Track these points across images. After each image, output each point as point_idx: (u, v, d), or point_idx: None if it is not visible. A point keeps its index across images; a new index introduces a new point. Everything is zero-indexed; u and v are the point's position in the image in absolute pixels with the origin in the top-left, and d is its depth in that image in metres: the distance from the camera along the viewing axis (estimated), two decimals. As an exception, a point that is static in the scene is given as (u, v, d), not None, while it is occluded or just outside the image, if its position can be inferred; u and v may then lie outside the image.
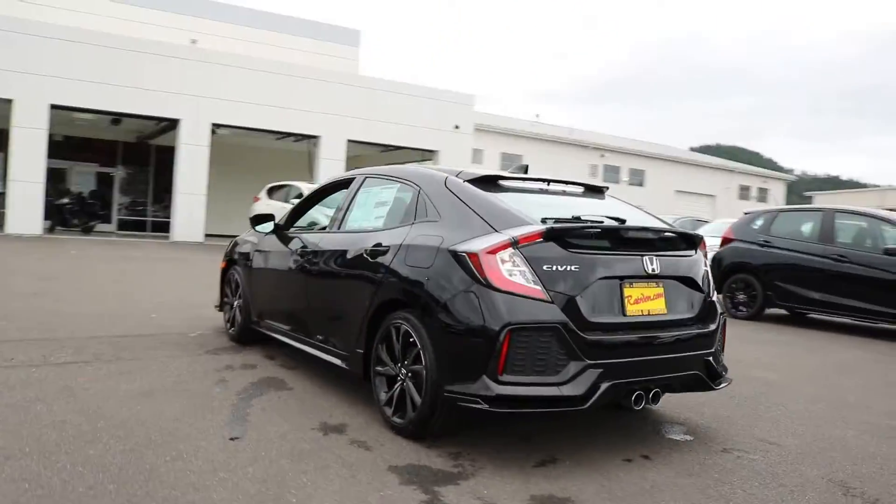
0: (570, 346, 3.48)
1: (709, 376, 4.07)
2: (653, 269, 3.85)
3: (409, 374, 3.85)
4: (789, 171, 59.71)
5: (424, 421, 3.74)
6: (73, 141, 22.26)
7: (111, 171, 24.47)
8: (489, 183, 4.14)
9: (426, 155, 21.97)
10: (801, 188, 60.97)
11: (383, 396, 4.04)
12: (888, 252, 8.71)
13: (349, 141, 19.99)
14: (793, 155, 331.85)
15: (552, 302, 3.50)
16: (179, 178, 19.17)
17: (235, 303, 6.15)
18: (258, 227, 5.79)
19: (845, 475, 3.78)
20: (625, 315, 3.72)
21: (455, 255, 3.66)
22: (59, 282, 9.76)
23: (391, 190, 4.56)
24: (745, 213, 11.24)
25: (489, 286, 3.49)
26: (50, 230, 19.05)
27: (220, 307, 6.60)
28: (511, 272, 3.50)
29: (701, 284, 4.14)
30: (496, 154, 41.32)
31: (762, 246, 10.03)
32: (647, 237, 4.02)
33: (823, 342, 8.69)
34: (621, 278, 3.74)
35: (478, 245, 3.59)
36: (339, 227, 4.84)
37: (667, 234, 4.10)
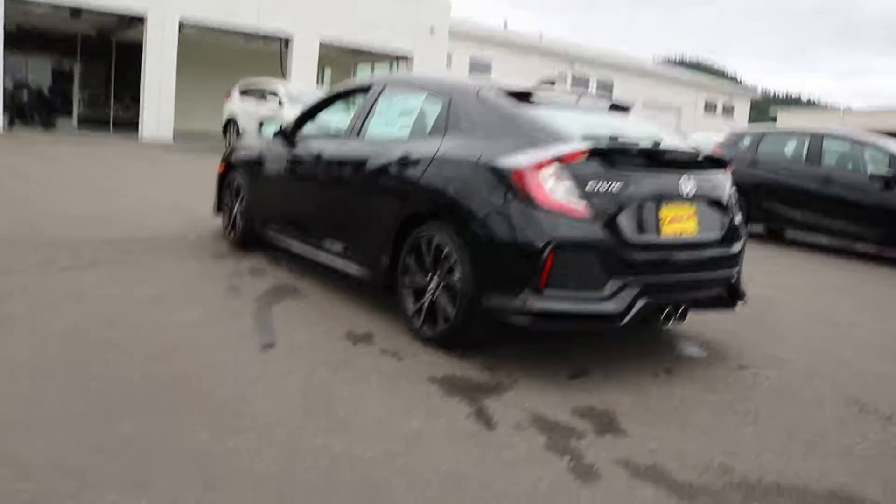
0: (611, 263, 3.47)
1: (730, 296, 4.14)
2: (688, 191, 3.83)
3: (442, 286, 3.81)
4: (752, 89, 59.73)
5: (457, 332, 3.74)
6: (29, 33, 21.01)
7: (70, 65, 23.29)
8: (521, 97, 4.03)
9: (399, 59, 21.35)
10: (765, 106, 61.26)
11: (411, 307, 4.01)
12: (873, 177, 8.86)
13: (322, 43, 19.26)
14: (756, 73, 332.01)
15: (594, 220, 3.47)
16: (148, 76, 18.31)
17: (236, 208, 5.98)
18: (266, 131, 5.56)
19: (856, 392, 3.91)
20: (659, 235, 3.71)
21: (496, 170, 3.58)
22: (38, 183, 9.39)
23: (416, 99, 4.39)
24: (733, 133, 11.25)
25: (533, 202, 3.43)
26: (9, 126, 18.21)
27: (218, 211, 6.43)
28: (555, 189, 3.45)
29: (728, 206, 4.14)
30: (465, 59, 40.41)
31: (749, 166, 10.07)
32: (684, 158, 3.98)
33: (808, 262, 8.89)
34: (659, 198, 3.71)
35: (522, 161, 3.51)
36: (357, 135, 4.68)
37: (701, 155, 4.07)
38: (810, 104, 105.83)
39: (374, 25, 19.69)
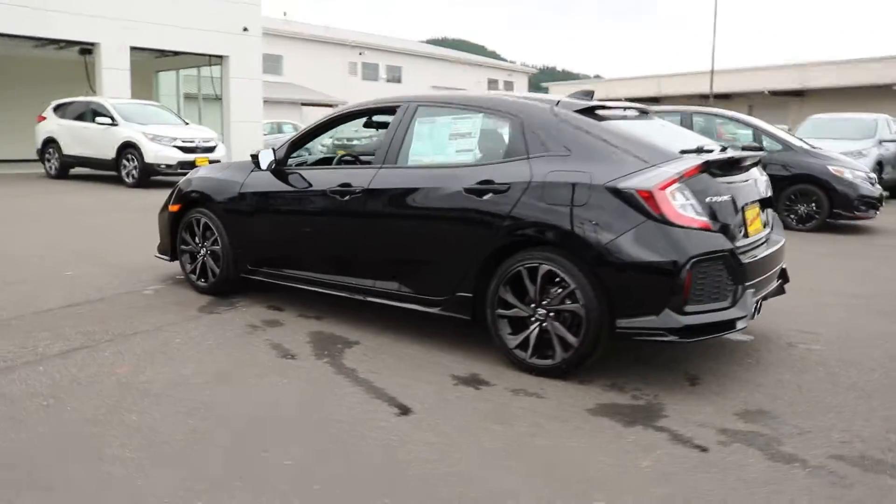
0: (735, 270, 3.61)
1: (783, 283, 4.47)
2: (759, 191, 4.07)
3: (553, 314, 3.72)
4: (512, 63, 63.60)
5: (582, 359, 3.68)
6: None
7: None
8: (591, 113, 4.01)
9: (214, 60, 20.03)
10: (538, 80, 65.32)
11: (512, 340, 3.87)
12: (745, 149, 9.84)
13: (133, 48, 17.48)
14: (512, 46, 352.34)
15: (717, 231, 3.58)
16: None
17: (205, 251, 5.35)
18: (260, 161, 4.95)
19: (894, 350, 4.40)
20: (747, 236, 3.91)
21: (618, 192, 3.55)
22: None
23: (471, 120, 4.17)
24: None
25: (665, 221, 3.46)
26: None
27: (174, 257, 5.70)
28: (683, 206, 3.51)
29: (770, 200, 4.45)
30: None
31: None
32: (749, 162, 4.20)
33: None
34: (744, 202, 3.92)
35: (646, 181, 3.52)
36: (395, 162, 4.36)
37: (756, 157, 4.35)
38: (567, 74, 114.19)
39: (186, 27, 18.24)
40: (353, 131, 13.22)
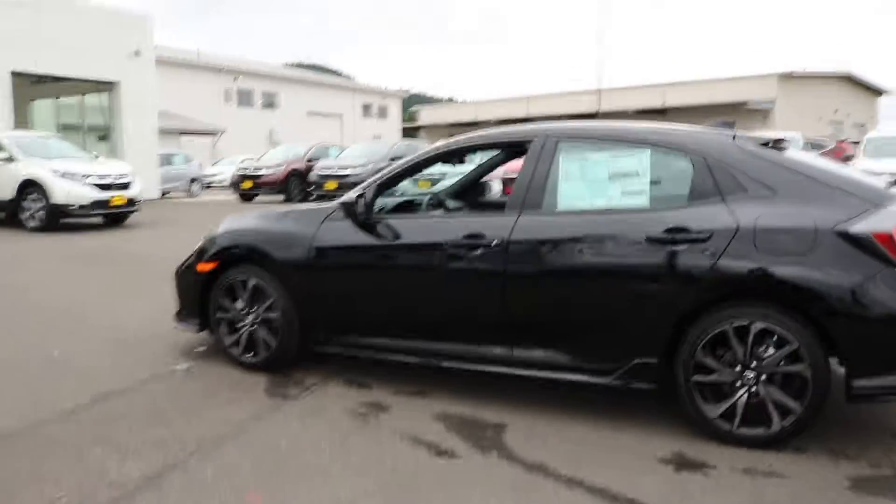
0: None
1: None
2: None
3: (766, 377, 3.16)
4: (404, 90, 63.25)
5: (803, 426, 3.18)
6: None
7: None
8: (774, 146, 3.49)
9: (101, 87, 18.07)
10: (411, 103, 65.27)
11: (712, 409, 3.26)
12: None
13: (14, 73, 15.33)
14: (366, 70, 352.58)
15: None
16: None
17: (252, 318, 4.35)
18: (357, 210, 4.00)
19: None
20: None
21: (850, 237, 3.05)
22: None
23: (637, 157, 3.51)
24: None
25: None
26: None
27: (204, 326, 4.63)
28: None
29: None
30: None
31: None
32: None
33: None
34: None
35: (881, 223, 3.06)
36: (540, 207, 3.63)
37: None
38: (427, 98, 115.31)
39: (74, 51, 16.29)
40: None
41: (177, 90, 37.98)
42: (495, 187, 5.48)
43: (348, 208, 4.03)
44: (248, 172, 20.44)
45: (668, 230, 3.28)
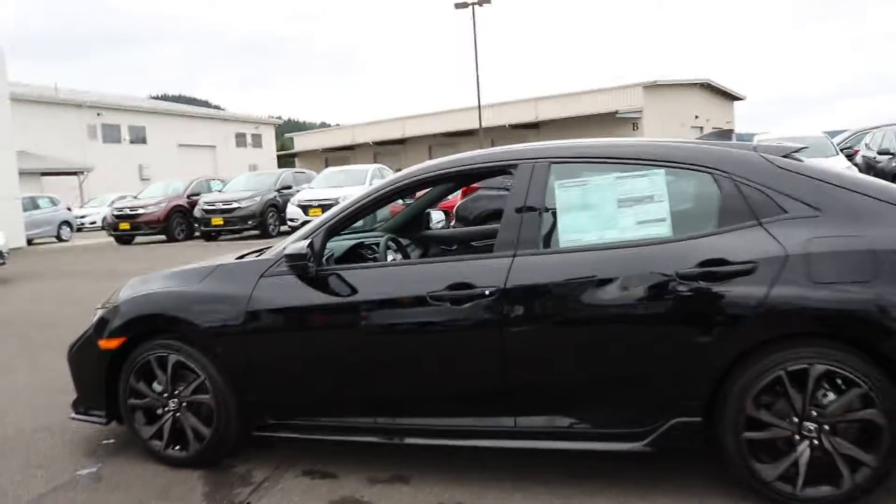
0: None
1: None
2: None
3: (829, 428, 2.64)
4: (277, 118, 61.07)
5: (880, 479, 2.67)
6: None
7: None
8: (794, 156, 3.00)
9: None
10: (283, 131, 63.42)
11: (768, 470, 2.71)
12: None
13: None
14: (233, 100, 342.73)
15: None
16: None
17: (178, 403, 3.43)
18: (308, 264, 3.17)
19: None
20: None
21: None
22: None
23: (649, 179, 2.92)
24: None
25: None
26: None
27: (113, 416, 3.64)
28: None
29: None
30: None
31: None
32: None
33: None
34: None
35: None
36: (538, 245, 2.96)
37: None
38: (299, 125, 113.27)
39: None
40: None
41: (35, 128, 34.82)
42: (435, 216, 4.75)
43: (292, 260, 3.21)
44: (124, 212, 18.73)
45: (703, 263, 2.71)
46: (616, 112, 35.70)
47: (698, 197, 2.94)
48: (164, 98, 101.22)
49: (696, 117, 41.62)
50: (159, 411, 3.51)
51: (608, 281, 2.82)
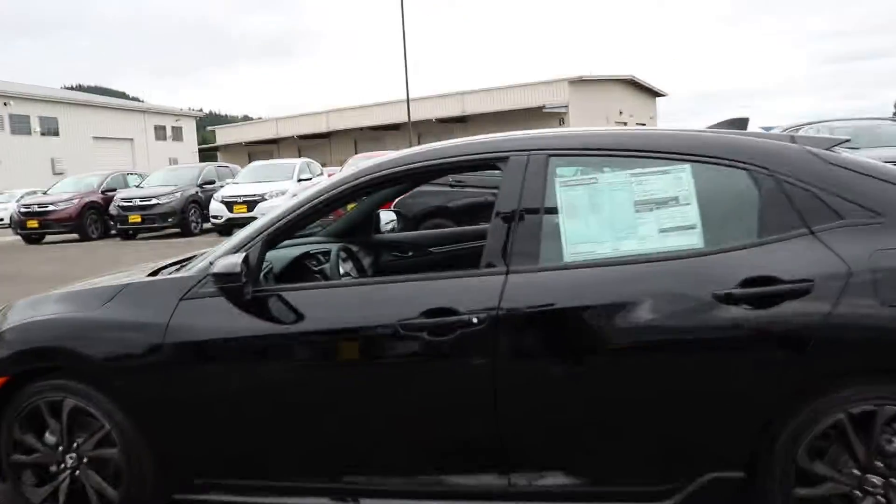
0: None
1: None
2: None
3: None
4: (198, 110, 58.49)
5: None
6: None
7: None
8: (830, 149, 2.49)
9: None
10: (205, 124, 60.88)
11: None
12: None
13: None
14: (153, 92, 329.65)
15: None
16: None
17: (77, 459, 2.69)
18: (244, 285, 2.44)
19: None
20: None
21: None
22: None
23: (673, 176, 2.34)
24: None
25: None
26: None
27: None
28: None
29: None
30: None
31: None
32: None
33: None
34: None
35: None
36: (537, 260, 2.34)
37: None
38: (223, 118, 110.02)
39: None
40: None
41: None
42: (385, 217, 4.08)
43: (222, 280, 2.49)
44: (32, 209, 17.17)
45: (746, 282, 2.15)
46: (543, 106, 35.64)
47: (734, 199, 2.39)
48: (80, 89, 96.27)
49: (621, 112, 42.13)
50: (53, 468, 2.76)
51: (626, 305, 2.24)
